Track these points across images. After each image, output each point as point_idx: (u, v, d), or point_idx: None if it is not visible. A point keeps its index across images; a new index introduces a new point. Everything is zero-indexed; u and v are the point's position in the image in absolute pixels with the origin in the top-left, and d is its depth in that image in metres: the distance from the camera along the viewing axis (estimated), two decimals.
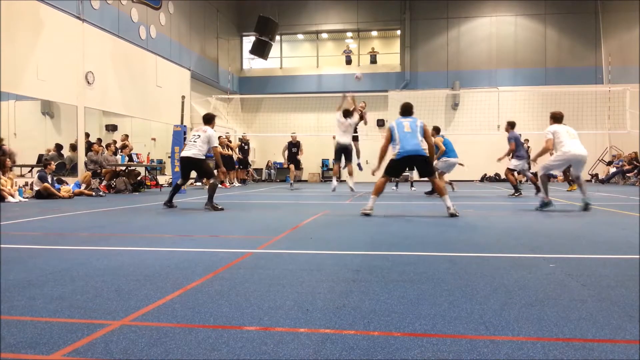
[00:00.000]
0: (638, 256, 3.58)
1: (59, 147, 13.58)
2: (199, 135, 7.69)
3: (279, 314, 2.21)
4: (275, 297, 2.49)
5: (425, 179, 7.05)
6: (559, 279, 2.89)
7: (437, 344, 1.83)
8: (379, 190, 6.66)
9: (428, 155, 6.67)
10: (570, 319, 2.12)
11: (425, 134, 6.69)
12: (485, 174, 21.54)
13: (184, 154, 7.75)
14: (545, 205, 7.26)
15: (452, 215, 6.32)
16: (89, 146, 13.73)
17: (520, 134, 11.21)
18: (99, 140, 14.00)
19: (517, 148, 10.77)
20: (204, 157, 7.77)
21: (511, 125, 10.91)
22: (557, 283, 2.78)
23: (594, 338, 1.90)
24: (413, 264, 3.30)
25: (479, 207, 8.18)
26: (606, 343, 1.85)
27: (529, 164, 11.59)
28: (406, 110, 6.96)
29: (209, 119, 7.96)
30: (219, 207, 7.47)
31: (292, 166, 14.58)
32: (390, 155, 6.76)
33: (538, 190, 9.90)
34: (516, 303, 2.37)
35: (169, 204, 7.80)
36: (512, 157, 10.80)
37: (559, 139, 7.09)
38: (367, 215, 6.44)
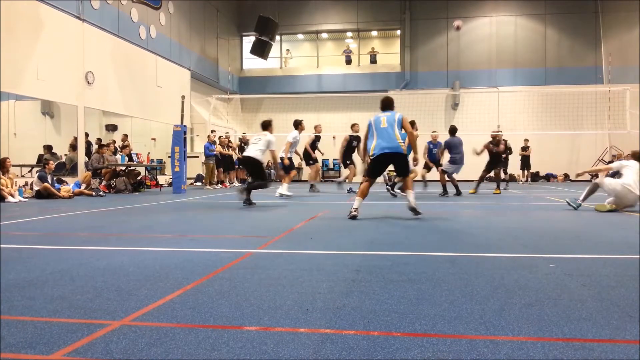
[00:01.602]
0: (638, 256, 3.58)
1: (49, 148, 13.57)
2: (260, 139, 8.31)
3: (279, 314, 2.21)
4: (275, 297, 2.49)
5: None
6: (559, 279, 2.89)
7: (437, 344, 1.83)
8: (364, 193, 6.37)
9: (405, 153, 6.47)
10: (570, 319, 2.12)
11: (403, 125, 6.37)
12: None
13: (246, 153, 8.42)
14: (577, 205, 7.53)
15: (413, 210, 6.19)
16: (88, 146, 13.73)
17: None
18: (99, 140, 14.00)
19: (452, 152, 11.06)
20: (260, 160, 8.23)
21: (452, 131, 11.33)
22: (557, 283, 2.78)
23: (594, 338, 1.90)
24: (413, 264, 3.30)
25: (478, 207, 8.19)
26: (606, 343, 1.85)
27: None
28: (385, 105, 6.67)
29: (265, 125, 8.58)
30: (253, 203, 7.99)
31: (317, 165, 13.02)
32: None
33: (445, 192, 10.90)
34: (516, 303, 2.37)
35: (248, 202, 8.02)
36: (443, 159, 11.29)
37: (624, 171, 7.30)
38: (353, 218, 6.03)
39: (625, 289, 2.64)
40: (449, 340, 1.87)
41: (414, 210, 6.21)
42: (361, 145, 6.59)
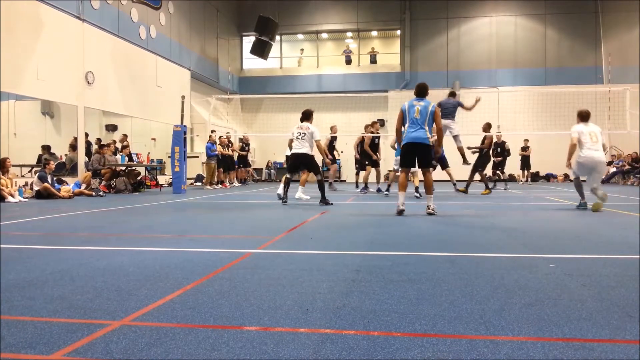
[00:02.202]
0: (638, 256, 3.58)
1: (47, 148, 13.58)
2: (305, 134, 8.33)
3: (279, 314, 2.21)
4: (275, 297, 2.49)
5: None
6: (559, 279, 2.89)
7: (437, 344, 1.83)
8: (403, 186, 6.63)
9: (431, 145, 6.70)
10: (570, 319, 2.12)
11: (435, 119, 6.60)
12: (485, 174, 21.54)
13: (297, 151, 8.41)
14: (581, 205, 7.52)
15: (430, 214, 6.49)
16: (88, 146, 13.73)
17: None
18: (99, 140, 14.00)
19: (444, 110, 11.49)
20: (313, 154, 8.40)
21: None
22: (557, 283, 2.78)
23: (594, 338, 1.90)
24: (413, 264, 3.29)
25: (478, 207, 8.19)
26: (606, 343, 1.85)
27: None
28: (421, 91, 6.76)
29: (307, 115, 8.58)
30: (330, 202, 8.13)
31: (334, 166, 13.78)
32: None
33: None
34: (516, 303, 2.37)
35: (285, 199, 8.30)
36: None
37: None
38: (400, 213, 6.42)
39: (625, 289, 2.64)
40: (449, 340, 1.87)
41: (430, 214, 6.51)
42: (395, 129, 6.94)
